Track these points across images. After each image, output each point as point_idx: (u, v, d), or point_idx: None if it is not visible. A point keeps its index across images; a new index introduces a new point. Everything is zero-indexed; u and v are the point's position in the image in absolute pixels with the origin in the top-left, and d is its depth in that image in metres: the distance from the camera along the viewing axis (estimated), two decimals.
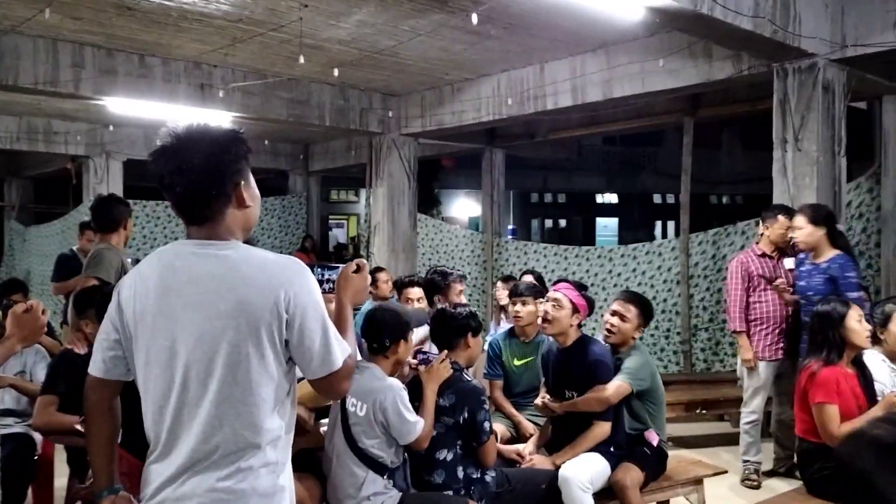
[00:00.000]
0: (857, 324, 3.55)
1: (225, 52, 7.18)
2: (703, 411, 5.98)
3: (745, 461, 5.02)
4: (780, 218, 5.03)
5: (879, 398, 3.53)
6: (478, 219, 14.49)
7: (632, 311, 3.70)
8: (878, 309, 4.00)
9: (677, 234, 8.77)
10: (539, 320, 3.79)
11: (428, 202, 15.02)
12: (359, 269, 2.07)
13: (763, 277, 4.99)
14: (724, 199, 21.33)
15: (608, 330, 3.72)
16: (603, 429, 3.51)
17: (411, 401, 3.01)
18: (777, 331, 4.97)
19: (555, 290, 3.67)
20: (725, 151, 18.23)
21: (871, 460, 1.05)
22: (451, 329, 3.35)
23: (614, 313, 3.71)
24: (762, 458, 5.05)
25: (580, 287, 3.75)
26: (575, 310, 3.58)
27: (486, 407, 3.22)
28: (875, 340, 3.79)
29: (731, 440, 5.68)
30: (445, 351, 3.27)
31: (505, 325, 5.09)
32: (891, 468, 1.03)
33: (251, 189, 1.80)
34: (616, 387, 3.51)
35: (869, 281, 7.02)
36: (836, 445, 3.29)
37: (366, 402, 2.93)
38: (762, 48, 5.53)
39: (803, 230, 4.73)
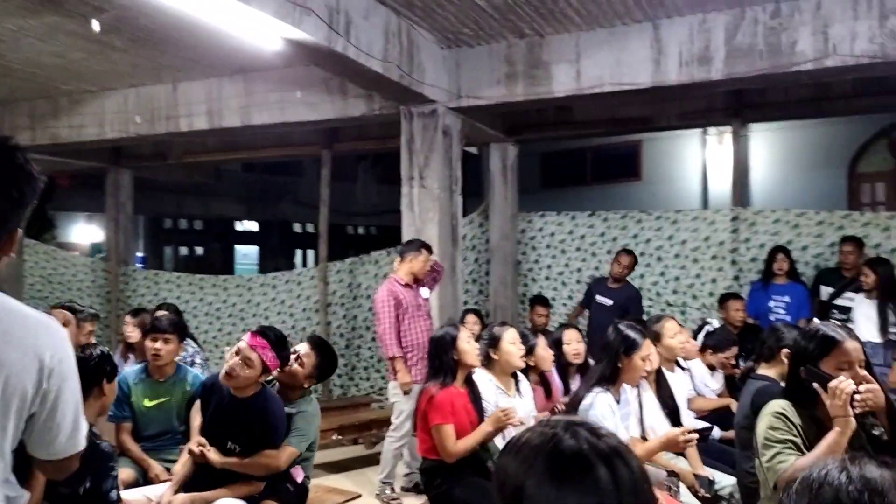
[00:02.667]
0: (466, 345, 3.88)
1: None
2: (340, 437, 6.10)
3: (384, 481, 5.22)
4: (423, 252, 5.40)
5: (487, 415, 3.92)
6: (101, 245, 13.11)
7: (312, 358, 3.57)
8: (487, 331, 4.45)
9: (317, 262, 8.93)
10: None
11: (39, 225, 13.15)
12: None
13: (411, 305, 5.29)
14: (361, 230, 22.47)
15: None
16: (257, 487, 3.27)
17: None
18: (426, 355, 5.25)
19: (251, 345, 3.21)
20: (362, 184, 19.23)
21: (521, 466, 1.07)
22: (82, 377, 2.86)
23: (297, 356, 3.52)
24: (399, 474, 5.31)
25: (281, 342, 3.32)
26: (265, 369, 3.24)
27: (115, 474, 2.80)
28: (487, 360, 4.19)
29: (368, 462, 5.90)
30: None
31: (133, 365, 4.61)
32: (538, 472, 1.05)
33: None
34: (288, 454, 3.33)
35: (480, 305, 7.92)
36: (451, 461, 3.58)
37: None
38: (391, 90, 5.92)
39: None
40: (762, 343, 3.76)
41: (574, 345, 4.86)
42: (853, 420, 2.30)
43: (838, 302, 6.09)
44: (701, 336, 5.09)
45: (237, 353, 3.20)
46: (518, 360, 4.07)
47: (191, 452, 3.32)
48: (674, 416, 4.03)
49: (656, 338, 4.27)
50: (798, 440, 2.40)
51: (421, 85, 5.88)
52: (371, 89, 6.22)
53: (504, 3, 5.27)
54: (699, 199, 9.93)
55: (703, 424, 4.36)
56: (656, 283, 7.18)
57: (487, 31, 5.82)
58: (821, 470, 1.17)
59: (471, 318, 5.50)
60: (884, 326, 5.57)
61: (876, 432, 2.52)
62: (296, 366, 3.54)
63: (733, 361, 4.99)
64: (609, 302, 6.47)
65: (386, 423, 5.37)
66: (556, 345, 4.83)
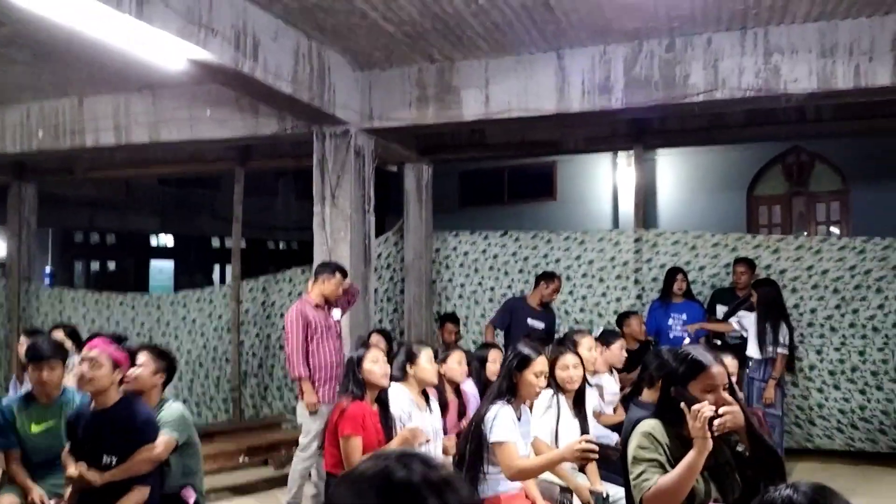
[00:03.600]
0: (372, 365, 3.95)
1: None
2: (246, 459, 6.03)
3: (290, 502, 5.20)
4: (337, 275, 5.42)
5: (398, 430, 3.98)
6: (3, 260, 12.55)
7: (151, 362, 3.65)
8: (405, 347, 4.49)
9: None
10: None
11: None
12: None
13: (321, 326, 5.30)
14: (282, 245, 22.18)
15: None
16: (142, 493, 3.30)
17: None
18: (334, 376, 5.28)
19: (89, 347, 3.36)
20: (282, 199, 19.02)
21: (354, 497, 1.10)
22: None
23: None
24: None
25: (118, 339, 3.50)
26: (115, 365, 3.32)
27: None
28: (403, 375, 4.23)
29: (277, 483, 5.85)
30: None
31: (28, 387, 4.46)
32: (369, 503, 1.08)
33: None
34: (164, 441, 3.38)
35: (395, 324, 7.98)
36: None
37: None
38: (302, 111, 5.95)
39: None
40: (645, 368, 3.92)
41: (497, 364, 4.96)
42: (710, 441, 2.47)
43: (732, 320, 6.42)
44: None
45: (81, 363, 3.30)
46: (433, 377, 4.20)
47: (69, 479, 3.31)
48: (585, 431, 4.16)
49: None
50: (663, 458, 2.55)
51: (332, 106, 5.93)
52: (282, 109, 6.23)
53: (413, 29, 5.38)
54: (610, 218, 10.28)
55: (612, 439, 4.52)
56: (565, 301, 7.39)
57: (399, 54, 5.92)
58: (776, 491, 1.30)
59: (375, 337, 5.55)
60: (762, 343, 5.90)
61: (739, 448, 2.71)
62: (139, 371, 3.60)
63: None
64: (541, 325, 6.59)
65: (296, 443, 5.36)
66: (482, 363, 4.96)
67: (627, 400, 5.07)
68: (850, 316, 6.55)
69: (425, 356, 4.17)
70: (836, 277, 6.55)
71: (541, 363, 3.67)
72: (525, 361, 3.62)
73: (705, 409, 2.47)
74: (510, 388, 3.61)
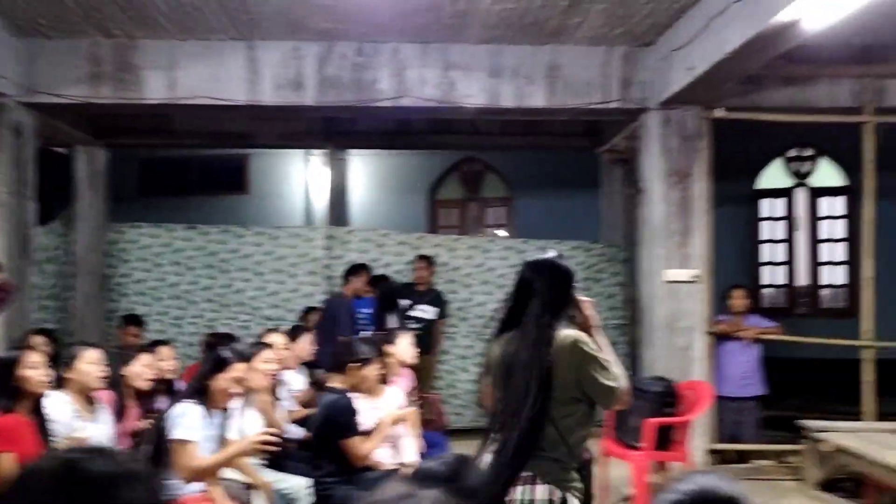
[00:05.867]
0: (29, 370, 3.52)
1: None
2: None
3: None
4: None
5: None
6: None
7: None
8: (66, 351, 4.08)
9: None
10: None
11: None
12: None
13: None
14: None
15: None
16: None
17: None
18: None
19: None
20: None
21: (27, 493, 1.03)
22: None
23: None
24: None
25: None
26: None
27: None
28: (64, 382, 3.82)
29: None
30: None
31: None
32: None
33: None
34: None
35: (62, 323, 7.15)
36: None
37: None
38: None
39: None
40: (335, 356, 4.07)
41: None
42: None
43: (413, 313, 6.88)
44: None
45: None
46: (96, 381, 3.86)
47: None
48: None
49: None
50: None
51: None
52: None
53: None
54: (303, 215, 10.33)
55: (297, 434, 4.56)
56: (255, 297, 7.28)
57: (69, 24, 5.34)
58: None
59: (37, 339, 4.94)
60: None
61: None
62: None
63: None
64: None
65: None
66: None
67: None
68: None
69: (87, 358, 3.83)
70: (501, 274, 7.36)
71: (238, 369, 3.64)
72: (221, 365, 3.58)
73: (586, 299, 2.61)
74: (202, 390, 3.56)
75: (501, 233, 10.09)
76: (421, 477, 1.61)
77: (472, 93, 5.94)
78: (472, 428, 7.27)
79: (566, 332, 2.49)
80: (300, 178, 10.13)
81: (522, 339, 2.48)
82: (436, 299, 7.05)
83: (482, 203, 10.33)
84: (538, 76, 5.97)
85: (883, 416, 5.78)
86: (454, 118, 6.70)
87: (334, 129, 7.44)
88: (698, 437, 5.60)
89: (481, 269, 7.41)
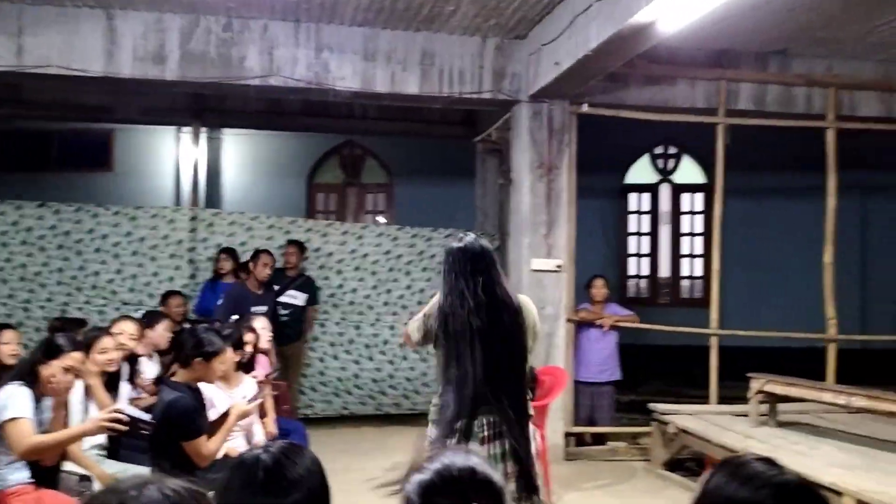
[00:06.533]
0: None
1: None
2: None
3: None
4: None
5: None
6: None
7: None
8: None
9: None
10: None
11: None
12: None
13: None
14: None
15: None
16: None
17: None
18: None
19: None
20: None
21: None
22: None
23: None
24: None
25: None
26: None
27: None
28: None
29: None
30: None
31: None
32: None
33: None
34: None
35: None
36: None
37: None
38: None
39: None
40: (181, 347, 3.83)
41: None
42: None
43: (282, 299, 6.73)
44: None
45: None
46: None
47: None
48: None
49: None
50: None
51: None
52: None
53: None
54: (173, 195, 9.87)
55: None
56: (112, 280, 6.88)
57: None
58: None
59: None
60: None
61: None
62: None
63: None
64: (263, 309, 6.17)
65: None
66: None
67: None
68: (384, 295, 7.37)
69: None
70: (374, 261, 7.32)
71: (73, 357, 3.47)
72: (54, 351, 3.43)
73: None
74: (32, 375, 3.40)
75: (381, 219, 10.05)
76: (239, 465, 1.56)
77: (346, 76, 5.86)
78: (341, 416, 7.24)
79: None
80: (170, 156, 9.66)
81: (495, 310, 2.85)
82: (305, 285, 6.93)
83: (362, 189, 10.24)
84: (412, 62, 5.96)
85: (726, 399, 6.18)
86: (329, 101, 6.57)
87: (202, 106, 7.14)
88: (556, 421, 5.80)
89: (354, 255, 7.34)
